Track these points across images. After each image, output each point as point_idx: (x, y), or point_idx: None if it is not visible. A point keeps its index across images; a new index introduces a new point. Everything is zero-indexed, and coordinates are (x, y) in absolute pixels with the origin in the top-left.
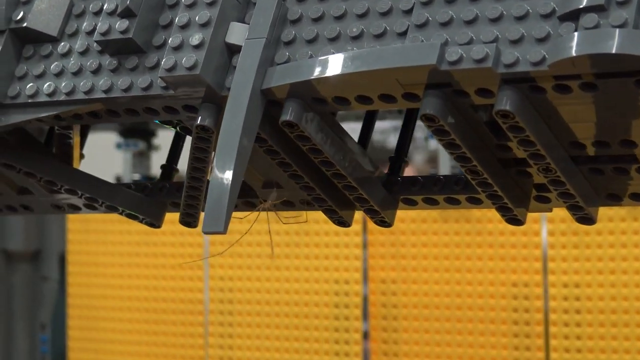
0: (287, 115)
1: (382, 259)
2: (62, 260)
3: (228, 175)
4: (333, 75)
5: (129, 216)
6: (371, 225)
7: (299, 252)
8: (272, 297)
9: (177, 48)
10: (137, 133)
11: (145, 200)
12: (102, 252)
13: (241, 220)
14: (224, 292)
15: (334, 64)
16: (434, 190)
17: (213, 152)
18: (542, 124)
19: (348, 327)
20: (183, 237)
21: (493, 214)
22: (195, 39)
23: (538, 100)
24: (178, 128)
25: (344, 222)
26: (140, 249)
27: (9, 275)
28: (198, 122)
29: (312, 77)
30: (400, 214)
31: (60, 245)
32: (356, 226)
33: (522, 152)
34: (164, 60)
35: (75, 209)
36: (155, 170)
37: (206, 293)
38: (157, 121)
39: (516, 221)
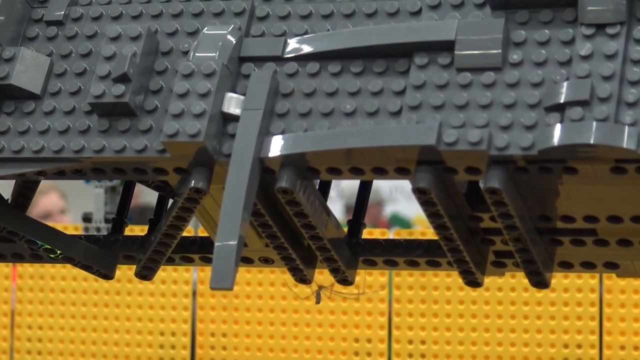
0: (283, 182)
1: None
2: None
3: (234, 235)
4: (332, 150)
5: (84, 267)
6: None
7: (120, 300)
8: (88, 349)
9: (178, 115)
10: None
11: (100, 252)
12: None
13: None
14: (31, 342)
15: (332, 139)
16: (395, 253)
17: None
18: (519, 198)
19: None
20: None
21: None
22: (197, 108)
23: (519, 178)
24: (153, 186)
25: (306, 280)
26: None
27: None
28: (192, 184)
29: (309, 150)
30: None
31: None
32: (186, 274)
33: (492, 222)
34: (165, 126)
35: (18, 258)
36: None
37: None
38: None
39: (476, 284)
